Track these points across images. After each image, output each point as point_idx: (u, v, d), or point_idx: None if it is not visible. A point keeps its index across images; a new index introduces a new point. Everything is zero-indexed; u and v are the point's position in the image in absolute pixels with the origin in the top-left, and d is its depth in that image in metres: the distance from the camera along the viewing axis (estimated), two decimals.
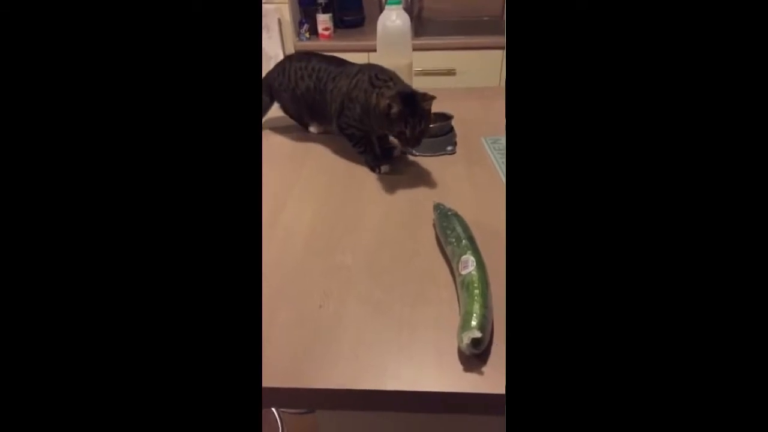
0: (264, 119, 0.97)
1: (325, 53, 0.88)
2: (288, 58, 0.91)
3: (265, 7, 1.60)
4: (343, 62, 0.83)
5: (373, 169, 0.77)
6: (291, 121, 0.96)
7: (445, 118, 0.86)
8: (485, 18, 1.92)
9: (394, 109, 0.67)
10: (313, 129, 0.92)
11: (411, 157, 0.81)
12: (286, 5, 1.63)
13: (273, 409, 1.26)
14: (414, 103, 0.68)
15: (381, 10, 0.98)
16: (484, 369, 0.42)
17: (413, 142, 0.69)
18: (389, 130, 0.70)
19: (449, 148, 0.82)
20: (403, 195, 0.71)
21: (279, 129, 0.96)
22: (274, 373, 0.42)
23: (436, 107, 0.96)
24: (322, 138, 0.91)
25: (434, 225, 0.61)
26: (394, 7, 0.97)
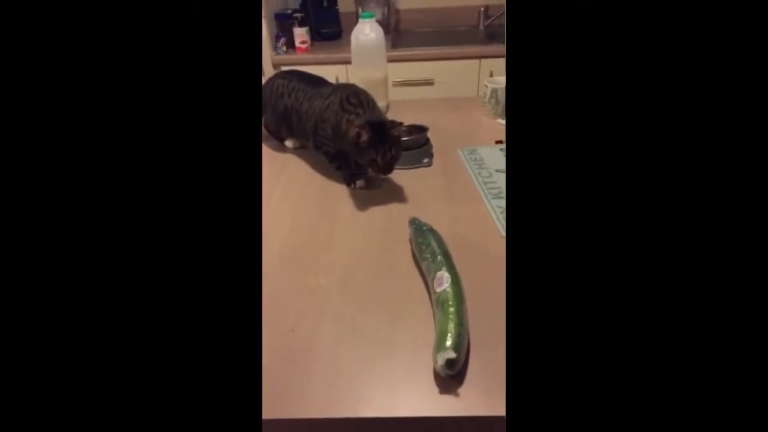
0: None
1: (307, 72, 0.88)
2: (275, 75, 0.92)
3: None
4: (322, 82, 0.83)
5: (348, 184, 0.76)
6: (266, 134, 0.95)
7: (421, 130, 0.85)
8: (462, 28, 1.95)
9: (363, 138, 0.67)
10: (288, 144, 0.91)
11: None
12: (263, 19, 1.63)
13: None
14: (383, 131, 0.68)
15: (358, 22, 0.98)
16: (460, 390, 0.41)
17: (385, 169, 0.70)
18: (360, 158, 0.70)
19: (425, 160, 0.82)
20: (379, 210, 0.70)
21: None
22: None
23: (412, 119, 0.96)
24: (298, 152, 0.90)
25: (410, 240, 0.60)
26: (367, 20, 0.97)
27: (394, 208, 0.70)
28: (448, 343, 0.41)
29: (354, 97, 0.73)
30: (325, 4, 1.78)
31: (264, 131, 0.94)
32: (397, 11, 1.97)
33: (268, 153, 0.91)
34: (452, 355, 0.40)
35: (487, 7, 1.91)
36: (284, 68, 1.68)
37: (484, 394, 0.41)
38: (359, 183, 0.76)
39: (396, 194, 0.74)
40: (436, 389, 0.41)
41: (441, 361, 0.40)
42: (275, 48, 1.68)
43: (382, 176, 0.72)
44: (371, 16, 0.97)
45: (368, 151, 0.68)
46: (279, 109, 0.85)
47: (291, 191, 0.77)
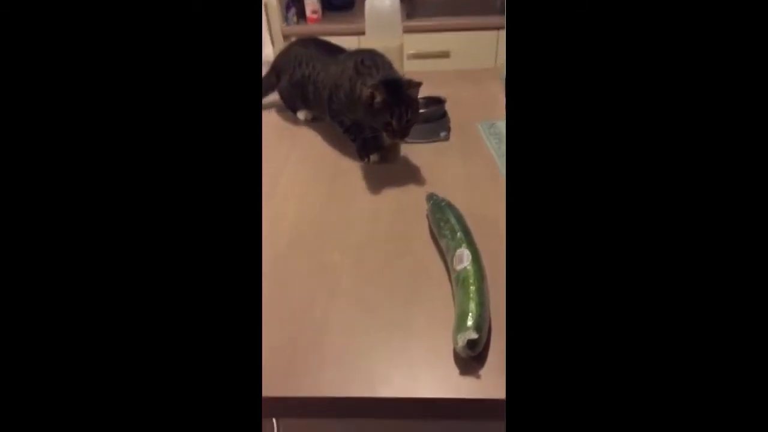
0: (264, 100, 0.94)
1: (327, 41, 0.85)
2: (295, 42, 0.89)
3: None
4: (339, 50, 0.80)
5: (362, 159, 0.74)
6: (282, 104, 0.92)
7: (438, 102, 0.82)
8: None
9: (378, 99, 0.63)
10: (300, 116, 0.88)
11: (402, 145, 0.78)
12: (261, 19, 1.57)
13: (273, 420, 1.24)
14: (398, 91, 0.63)
15: None
16: (482, 372, 0.39)
17: (401, 133, 0.65)
18: (375, 122, 0.65)
19: (442, 134, 0.79)
20: (394, 185, 0.68)
21: (267, 113, 0.93)
22: None
23: (428, 91, 0.92)
24: (310, 125, 0.87)
25: (428, 217, 0.58)
26: None
27: (409, 182, 0.68)
28: (470, 322, 0.40)
29: (369, 60, 0.69)
30: None
31: (279, 100, 0.91)
32: None
33: (279, 126, 0.88)
34: (474, 335, 0.38)
35: None
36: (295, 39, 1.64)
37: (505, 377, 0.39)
38: (373, 158, 0.73)
39: (411, 169, 0.71)
40: (456, 370, 0.40)
41: (462, 342, 0.38)
42: (285, 19, 1.62)
43: (398, 141, 0.68)
44: None
45: (383, 113, 0.63)
46: (295, 78, 0.82)
47: (302, 166, 0.74)
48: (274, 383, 0.39)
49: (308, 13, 1.62)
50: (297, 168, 0.74)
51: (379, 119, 0.64)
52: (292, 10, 1.61)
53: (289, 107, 0.90)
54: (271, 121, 0.91)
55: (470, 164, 0.72)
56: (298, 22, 1.63)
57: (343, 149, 0.78)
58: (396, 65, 0.77)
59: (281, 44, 1.63)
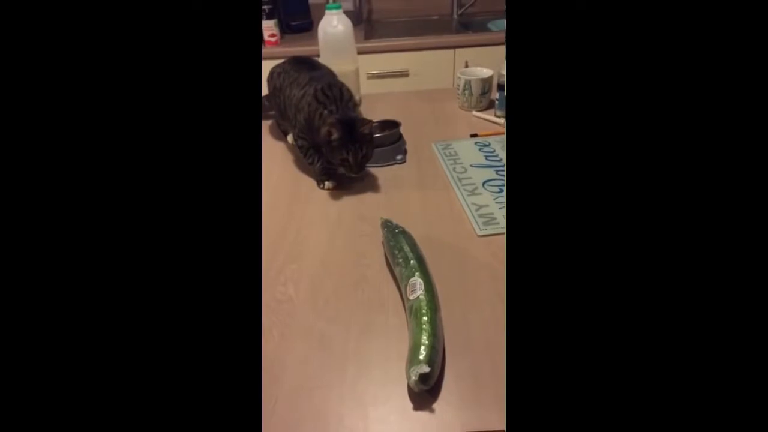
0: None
1: (304, 56, 0.85)
2: (281, 63, 0.87)
3: None
4: (308, 66, 0.79)
5: (318, 183, 0.74)
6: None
7: (394, 125, 0.83)
8: (435, 17, 1.91)
9: (334, 136, 0.66)
10: (289, 139, 0.87)
11: None
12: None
13: None
14: (354, 130, 0.66)
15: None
16: (435, 405, 0.39)
17: (356, 168, 0.68)
18: (331, 157, 0.68)
19: (399, 157, 0.79)
20: (351, 211, 0.67)
21: None
22: None
23: (385, 112, 0.93)
24: (269, 148, 0.86)
25: (383, 244, 0.58)
26: (334, 11, 0.93)
27: (366, 208, 0.68)
28: (422, 356, 0.39)
29: (329, 90, 0.70)
30: None
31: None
32: (369, 1, 1.93)
33: None
34: (425, 369, 0.38)
35: None
36: None
37: (460, 409, 0.39)
38: (328, 184, 0.73)
39: (368, 194, 0.71)
40: (410, 405, 0.39)
41: (414, 376, 0.38)
42: None
43: (353, 176, 0.70)
44: (338, 8, 0.93)
45: (339, 150, 0.67)
46: (277, 98, 0.82)
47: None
48: None
49: (266, 36, 1.61)
50: None
51: (335, 155, 0.67)
52: None
53: (281, 130, 0.90)
54: None
55: (426, 186, 0.72)
56: None
57: (300, 174, 0.77)
58: (352, 88, 0.78)
59: None
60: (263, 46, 1.63)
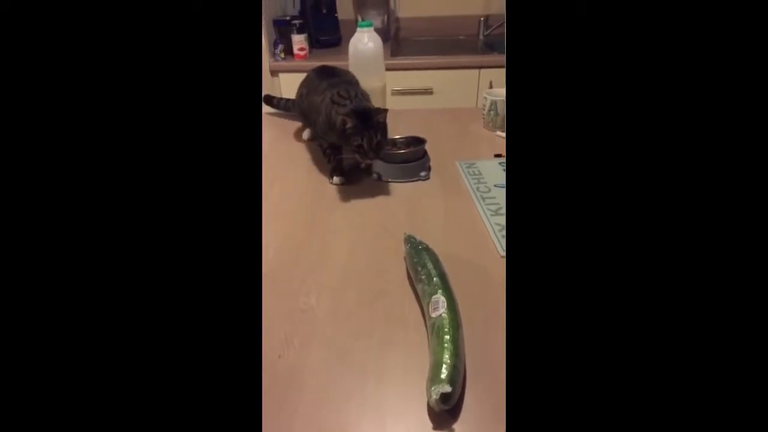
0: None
1: (330, 65, 0.91)
2: (308, 73, 0.95)
3: None
4: (329, 74, 0.87)
5: (330, 178, 0.79)
6: (273, 125, 0.97)
7: (419, 142, 0.83)
8: (461, 37, 1.93)
9: (348, 125, 0.71)
10: (304, 135, 0.97)
11: (384, 184, 0.79)
12: (261, 25, 1.61)
13: None
14: (367, 117, 0.71)
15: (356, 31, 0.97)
16: (455, 426, 0.39)
17: (372, 154, 0.72)
18: (348, 146, 0.73)
19: (422, 173, 0.80)
20: (373, 225, 0.68)
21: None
22: None
23: (411, 127, 0.94)
24: (293, 156, 0.88)
25: (405, 259, 0.58)
26: (365, 29, 0.95)
27: (389, 222, 0.68)
28: (443, 375, 0.39)
29: (345, 92, 0.76)
30: (324, 11, 1.77)
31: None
32: (397, 19, 1.96)
33: (268, 150, 0.89)
34: (447, 389, 0.38)
35: (487, 17, 1.90)
36: (282, 75, 1.67)
37: (481, 431, 0.38)
38: (336, 179, 0.78)
39: (392, 208, 0.72)
40: (429, 424, 0.39)
41: (435, 395, 0.38)
42: (273, 54, 1.66)
43: (370, 160, 0.74)
44: (369, 25, 0.96)
45: (354, 137, 0.71)
46: (302, 103, 0.91)
47: (283, 199, 0.75)
48: None
49: (295, 50, 1.65)
50: (278, 201, 0.74)
51: (351, 142, 0.72)
52: (280, 47, 1.65)
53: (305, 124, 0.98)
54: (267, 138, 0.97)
55: (449, 204, 0.72)
56: (285, 58, 1.67)
57: (325, 182, 0.80)
58: (379, 104, 0.81)
59: (269, 78, 1.65)
60: (293, 59, 1.67)
